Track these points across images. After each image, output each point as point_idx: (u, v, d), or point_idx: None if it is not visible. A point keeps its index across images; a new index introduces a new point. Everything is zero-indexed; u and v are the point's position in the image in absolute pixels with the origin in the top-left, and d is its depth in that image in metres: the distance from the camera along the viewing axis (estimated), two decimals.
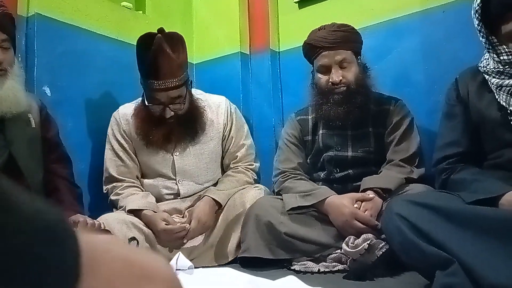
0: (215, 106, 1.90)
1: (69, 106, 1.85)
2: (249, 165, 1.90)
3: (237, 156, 1.90)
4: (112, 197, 1.75)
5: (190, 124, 1.78)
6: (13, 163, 1.37)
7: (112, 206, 1.78)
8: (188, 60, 1.84)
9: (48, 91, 1.78)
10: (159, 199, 1.80)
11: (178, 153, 1.81)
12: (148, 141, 1.76)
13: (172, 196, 1.81)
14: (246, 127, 1.97)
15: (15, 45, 1.49)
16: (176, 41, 1.70)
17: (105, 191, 1.81)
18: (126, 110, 1.84)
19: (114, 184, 1.77)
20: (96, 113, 1.95)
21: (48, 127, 1.56)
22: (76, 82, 1.89)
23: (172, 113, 1.71)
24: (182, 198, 1.81)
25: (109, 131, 1.84)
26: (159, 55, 1.63)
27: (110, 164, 1.80)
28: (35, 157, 1.46)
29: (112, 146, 1.81)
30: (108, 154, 1.82)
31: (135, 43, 1.72)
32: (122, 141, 1.81)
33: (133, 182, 1.79)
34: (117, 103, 2.03)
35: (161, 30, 1.68)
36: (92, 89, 1.96)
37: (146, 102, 1.73)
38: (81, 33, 1.93)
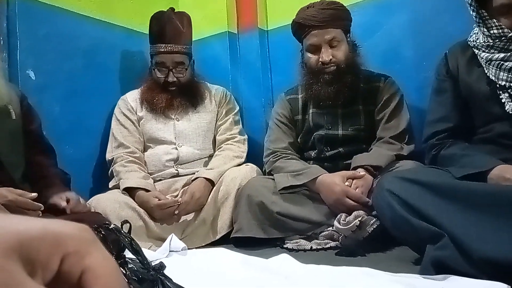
0: (214, 89, 2.06)
1: (55, 90, 1.82)
2: (233, 137, 1.95)
3: (220, 128, 1.98)
4: (117, 167, 1.80)
5: (191, 94, 1.94)
6: None
7: (111, 175, 1.82)
8: None
9: (32, 75, 1.74)
10: (159, 167, 1.86)
11: (179, 119, 1.94)
12: (152, 105, 1.89)
13: (172, 162, 1.87)
14: (237, 108, 2.06)
15: None
16: (183, 17, 1.95)
17: (109, 158, 1.85)
18: (133, 93, 1.98)
19: (122, 152, 1.83)
20: (82, 96, 1.92)
21: (29, 119, 1.50)
22: (61, 65, 1.85)
23: (175, 78, 1.87)
24: (181, 164, 1.87)
25: (116, 110, 1.95)
26: (167, 23, 1.89)
27: (118, 134, 1.89)
28: (17, 150, 1.41)
29: (118, 120, 1.92)
30: (114, 127, 1.92)
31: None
32: (128, 114, 1.92)
33: (138, 153, 1.87)
34: (103, 85, 2.01)
35: (172, 8, 1.96)
36: (77, 71, 1.91)
37: (152, 69, 1.91)
38: (64, 14, 1.88)
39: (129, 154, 1.84)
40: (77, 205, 1.35)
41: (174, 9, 1.96)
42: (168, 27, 1.88)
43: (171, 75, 1.87)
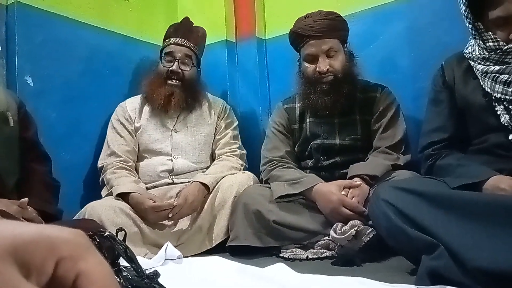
0: (214, 100, 2.07)
1: (52, 96, 1.82)
2: (232, 151, 1.95)
3: (220, 142, 1.97)
4: (107, 175, 1.77)
5: (190, 91, 1.93)
6: None
7: (102, 183, 1.80)
8: None
9: (30, 81, 1.74)
10: (154, 178, 1.85)
11: (177, 130, 1.93)
12: (151, 101, 1.90)
13: (167, 173, 1.85)
14: (236, 123, 2.06)
15: None
16: (200, 28, 2.02)
17: (100, 166, 1.83)
18: (133, 101, 1.98)
19: (113, 160, 1.81)
20: (80, 102, 1.91)
21: (26, 126, 1.48)
22: (58, 71, 1.85)
23: (179, 70, 1.88)
24: (176, 175, 1.85)
25: (113, 116, 1.93)
26: (184, 23, 2.00)
27: (112, 142, 1.87)
28: (12, 157, 1.40)
29: (114, 128, 1.90)
30: (110, 135, 1.90)
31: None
32: (125, 123, 1.91)
33: (130, 162, 1.85)
34: (100, 92, 2.01)
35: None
36: (75, 78, 1.91)
37: (160, 61, 1.95)
38: (63, 21, 1.89)
39: (119, 162, 1.81)
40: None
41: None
42: (183, 27, 1.97)
43: (176, 65, 1.88)
